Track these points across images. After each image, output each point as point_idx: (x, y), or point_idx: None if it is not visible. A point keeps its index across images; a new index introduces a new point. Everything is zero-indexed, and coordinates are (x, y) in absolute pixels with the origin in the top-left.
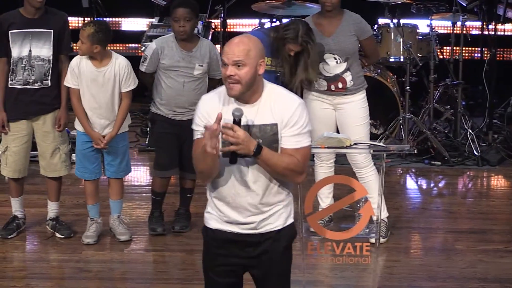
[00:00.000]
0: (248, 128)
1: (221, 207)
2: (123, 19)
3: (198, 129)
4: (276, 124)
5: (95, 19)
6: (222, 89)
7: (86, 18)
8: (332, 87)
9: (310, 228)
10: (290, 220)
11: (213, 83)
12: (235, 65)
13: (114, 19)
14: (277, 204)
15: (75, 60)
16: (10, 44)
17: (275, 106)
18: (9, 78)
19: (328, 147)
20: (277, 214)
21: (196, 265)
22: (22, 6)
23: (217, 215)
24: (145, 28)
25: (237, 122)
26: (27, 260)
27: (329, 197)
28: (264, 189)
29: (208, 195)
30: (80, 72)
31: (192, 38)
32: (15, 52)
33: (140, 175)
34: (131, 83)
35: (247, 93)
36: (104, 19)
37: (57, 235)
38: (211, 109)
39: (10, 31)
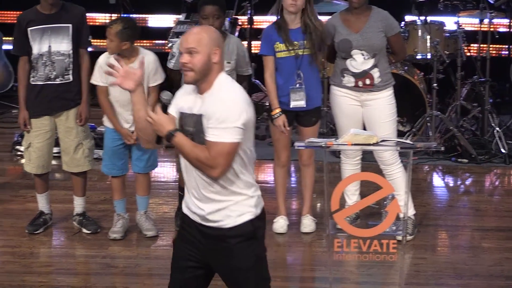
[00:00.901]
0: (190, 116)
1: (186, 194)
2: (150, 15)
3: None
4: (202, 115)
5: (122, 15)
6: None
7: (113, 15)
8: (360, 84)
9: (337, 225)
10: (246, 218)
11: (240, 79)
12: (188, 53)
13: (141, 15)
14: (228, 199)
15: (103, 57)
16: (30, 41)
17: (211, 97)
18: (31, 75)
19: (355, 144)
20: (229, 210)
21: None
22: (39, 3)
23: (186, 199)
24: (171, 25)
25: (163, 104)
26: (54, 255)
27: (355, 194)
28: (208, 179)
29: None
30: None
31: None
32: (35, 48)
33: (166, 171)
34: (158, 78)
35: (201, 82)
36: (131, 15)
37: (84, 230)
38: (182, 91)
39: (28, 29)
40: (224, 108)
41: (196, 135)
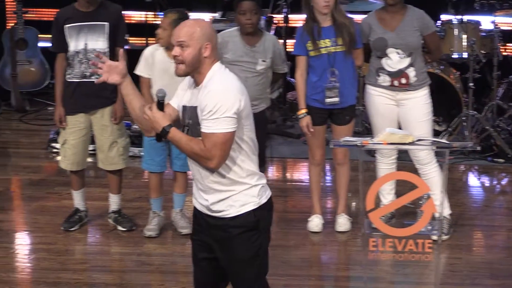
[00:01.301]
0: (184, 109)
1: (193, 186)
2: (189, 13)
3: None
4: (196, 107)
5: (158, 14)
6: None
7: (148, 13)
8: (395, 83)
9: (372, 224)
10: (248, 208)
11: (276, 77)
12: (180, 46)
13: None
14: (231, 189)
15: (150, 49)
16: (66, 38)
17: (204, 91)
18: (67, 72)
19: (391, 143)
20: (231, 200)
21: None
22: (75, 1)
23: (193, 193)
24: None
25: (158, 101)
26: (89, 253)
27: (391, 194)
28: (219, 171)
29: None
30: (155, 62)
31: (256, 32)
32: (72, 46)
33: None
34: None
35: (195, 75)
36: None
37: (119, 228)
38: (184, 85)
39: (65, 26)
40: (215, 99)
41: (193, 127)
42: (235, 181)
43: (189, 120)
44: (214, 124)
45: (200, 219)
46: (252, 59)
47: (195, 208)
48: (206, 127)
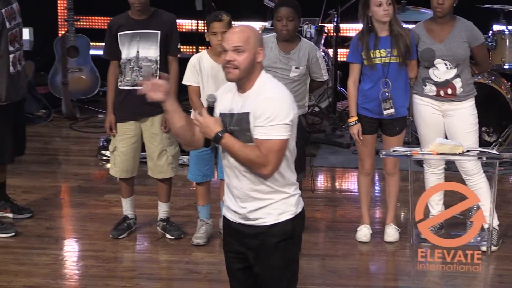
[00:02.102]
0: (230, 116)
1: (226, 194)
2: (236, 22)
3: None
4: (248, 113)
5: None
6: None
7: (199, 21)
8: (441, 93)
9: (421, 235)
10: (286, 217)
11: (314, 85)
12: (235, 51)
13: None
14: (270, 197)
15: (195, 58)
16: (119, 46)
17: (256, 96)
18: (119, 80)
19: (441, 154)
20: (270, 208)
21: (303, 268)
22: (126, 9)
23: (225, 203)
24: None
25: (209, 107)
26: (137, 260)
27: (439, 204)
28: (251, 177)
29: None
30: (202, 69)
31: (293, 39)
32: (124, 53)
33: None
34: None
35: (244, 81)
36: None
37: (167, 236)
38: (220, 92)
39: (118, 33)
40: (273, 106)
41: (240, 134)
42: (276, 189)
43: (233, 127)
44: (271, 130)
45: (232, 229)
46: (285, 65)
47: (225, 219)
48: (263, 133)
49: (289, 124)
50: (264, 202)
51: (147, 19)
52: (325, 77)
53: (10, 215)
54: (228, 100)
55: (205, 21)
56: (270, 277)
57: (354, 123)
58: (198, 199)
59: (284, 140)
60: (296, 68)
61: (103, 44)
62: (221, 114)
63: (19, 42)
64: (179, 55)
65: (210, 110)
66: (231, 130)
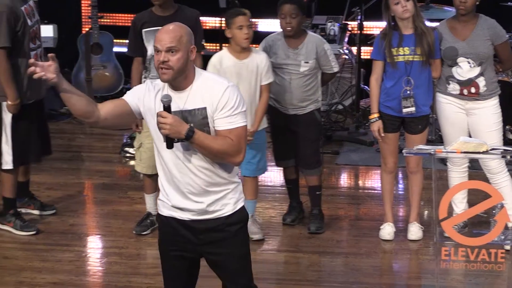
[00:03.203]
0: (180, 113)
1: (170, 193)
2: (259, 19)
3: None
4: (205, 108)
5: None
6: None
7: (223, 18)
8: (465, 92)
9: (444, 233)
10: (240, 204)
11: (326, 78)
12: (169, 51)
13: (250, 19)
14: (225, 188)
15: (216, 56)
16: (144, 42)
17: (205, 90)
18: (143, 76)
19: (465, 152)
20: (227, 199)
21: (327, 266)
22: (151, 6)
23: (168, 202)
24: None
25: (166, 108)
26: None
27: (463, 203)
28: (208, 172)
29: (159, 182)
30: (223, 67)
31: (299, 34)
32: (149, 50)
33: (273, 175)
34: (271, 76)
35: (179, 79)
36: None
37: None
38: (144, 93)
39: (143, 30)
40: (234, 96)
41: (199, 129)
42: (229, 180)
43: (189, 123)
44: (236, 119)
45: (179, 227)
46: (295, 61)
47: (167, 218)
48: (229, 123)
49: (245, 110)
50: (220, 194)
51: (172, 16)
52: (335, 69)
53: (35, 212)
54: (155, 99)
55: (224, 19)
56: (236, 266)
57: (375, 120)
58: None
59: (245, 126)
60: (305, 62)
61: (127, 41)
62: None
63: (39, 39)
64: (202, 52)
65: (168, 110)
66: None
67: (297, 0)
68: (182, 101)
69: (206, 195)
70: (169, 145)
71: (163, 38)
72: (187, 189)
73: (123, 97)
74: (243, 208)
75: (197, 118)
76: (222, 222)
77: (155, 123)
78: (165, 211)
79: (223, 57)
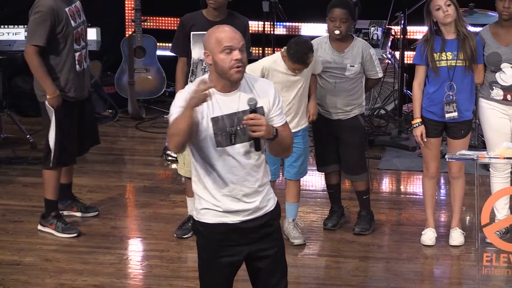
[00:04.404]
0: (235, 115)
1: (222, 199)
2: (302, 24)
3: (178, 109)
4: (261, 107)
5: (275, 23)
6: (196, 83)
7: (266, 23)
8: (508, 97)
9: (486, 239)
10: (275, 198)
11: (370, 83)
12: (241, 50)
13: (293, 23)
14: (266, 184)
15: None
16: (191, 44)
17: (255, 90)
18: (189, 79)
19: (507, 158)
20: (268, 194)
21: (369, 271)
22: (192, 10)
23: (218, 208)
24: (323, 33)
25: (254, 110)
26: None
27: (505, 208)
28: (260, 171)
29: (200, 191)
30: (273, 74)
31: (346, 38)
32: (196, 53)
33: (315, 179)
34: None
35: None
36: (284, 23)
37: None
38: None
39: (191, 32)
40: (276, 94)
41: (243, 132)
42: (267, 176)
43: (235, 126)
44: (283, 114)
45: (231, 231)
46: (340, 64)
47: (214, 230)
48: (282, 118)
49: None
50: (265, 190)
51: (223, 21)
52: (380, 75)
53: (78, 214)
54: (215, 102)
55: (272, 23)
56: (281, 259)
57: (417, 124)
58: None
59: None
60: (351, 66)
61: (170, 44)
62: (215, 119)
63: (84, 40)
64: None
65: (254, 113)
66: (236, 130)
67: (348, 5)
68: (234, 102)
69: (258, 194)
70: (259, 147)
71: (235, 37)
72: (242, 192)
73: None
74: (277, 201)
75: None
76: (269, 217)
77: (209, 128)
78: (213, 219)
79: (274, 61)
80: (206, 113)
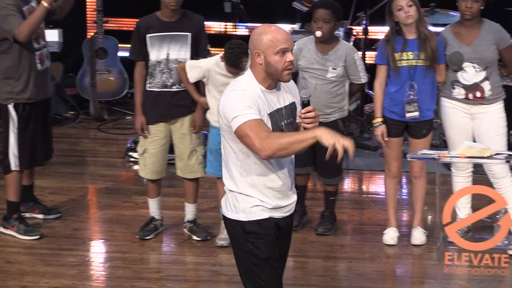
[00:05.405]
0: (281, 110)
1: (270, 194)
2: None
3: (248, 109)
4: (294, 102)
5: (237, 24)
6: (245, 79)
7: (228, 23)
8: (470, 96)
9: (448, 238)
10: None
11: (354, 88)
12: (292, 51)
13: (255, 24)
14: None
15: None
16: (148, 48)
17: (287, 87)
18: (147, 82)
19: (469, 157)
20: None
21: (331, 271)
22: (153, 11)
23: (264, 204)
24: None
25: (307, 104)
26: (164, 262)
27: (467, 207)
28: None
29: (246, 189)
30: (214, 75)
31: (330, 40)
32: (153, 55)
33: None
34: None
35: None
36: (246, 24)
37: (194, 237)
38: (255, 95)
39: (148, 35)
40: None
41: (291, 125)
42: None
43: (287, 119)
44: None
45: (279, 227)
46: (323, 66)
47: (268, 225)
48: None
49: None
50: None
51: (177, 21)
52: (363, 80)
53: (40, 216)
54: (262, 98)
55: (234, 24)
56: (287, 250)
57: (378, 124)
58: (219, 199)
59: None
60: (333, 69)
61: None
62: (271, 114)
63: (44, 39)
64: (208, 57)
65: (306, 106)
66: (285, 124)
67: (331, 5)
68: (276, 98)
69: (293, 192)
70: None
71: (289, 38)
72: (287, 186)
73: (257, 118)
74: None
75: (292, 112)
76: (293, 212)
77: (268, 125)
78: (266, 214)
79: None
80: (264, 110)
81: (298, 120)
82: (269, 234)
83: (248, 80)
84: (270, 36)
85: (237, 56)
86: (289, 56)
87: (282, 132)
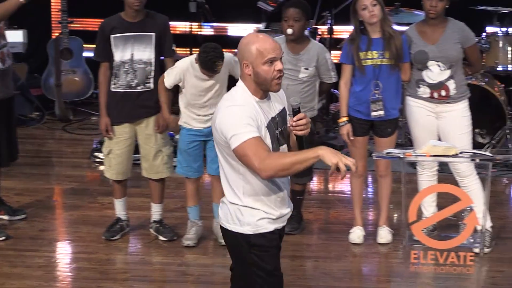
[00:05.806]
0: (275, 119)
1: (276, 205)
2: (229, 24)
3: (248, 127)
4: (284, 108)
5: (202, 24)
6: (240, 92)
7: (193, 23)
8: (435, 95)
9: (414, 236)
10: None
11: (324, 87)
12: (281, 59)
13: (220, 24)
14: None
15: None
16: (112, 48)
17: (276, 94)
18: (112, 82)
19: (434, 156)
20: None
21: (298, 270)
22: (118, 11)
23: (269, 216)
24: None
25: (297, 111)
26: (130, 262)
27: (432, 206)
28: None
29: (252, 202)
30: (189, 77)
31: (301, 40)
32: (118, 56)
33: None
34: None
35: None
36: (211, 24)
37: (160, 238)
38: (254, 110)
39: (112, 36)
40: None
41: (284, 132)
42: None
43: (281, 127)
44: None
45: (279, 238)
46: (294, 66)
47: (273, 238)
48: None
49: None
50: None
51: (141, 21)
52: (334, 79)
53: (5, 217)
54: (258, 110)
55: (199, 24)
56: None
57: (344, 123)
58: (187, 199)
59: None
60: (305, 69)
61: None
62: (267, 126)
63: (4, 38)
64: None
65: (296, 114)
66: (279, 132)
67: (301, 4)
68: (269, 107)
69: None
70: (302, 146)
71: (277, 46)
72: (288, 191)
73: (256, 135)
74: None
75: (283, 119)
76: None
77: (267, 137)
78: (271, 226)
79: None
80: (262, 123)
81: (289, 126)
82: (273, 246)
83: (242, 93)
84: (257, 45)
85: (211, 60)
86: (278, 65)
87: (279, 140)
